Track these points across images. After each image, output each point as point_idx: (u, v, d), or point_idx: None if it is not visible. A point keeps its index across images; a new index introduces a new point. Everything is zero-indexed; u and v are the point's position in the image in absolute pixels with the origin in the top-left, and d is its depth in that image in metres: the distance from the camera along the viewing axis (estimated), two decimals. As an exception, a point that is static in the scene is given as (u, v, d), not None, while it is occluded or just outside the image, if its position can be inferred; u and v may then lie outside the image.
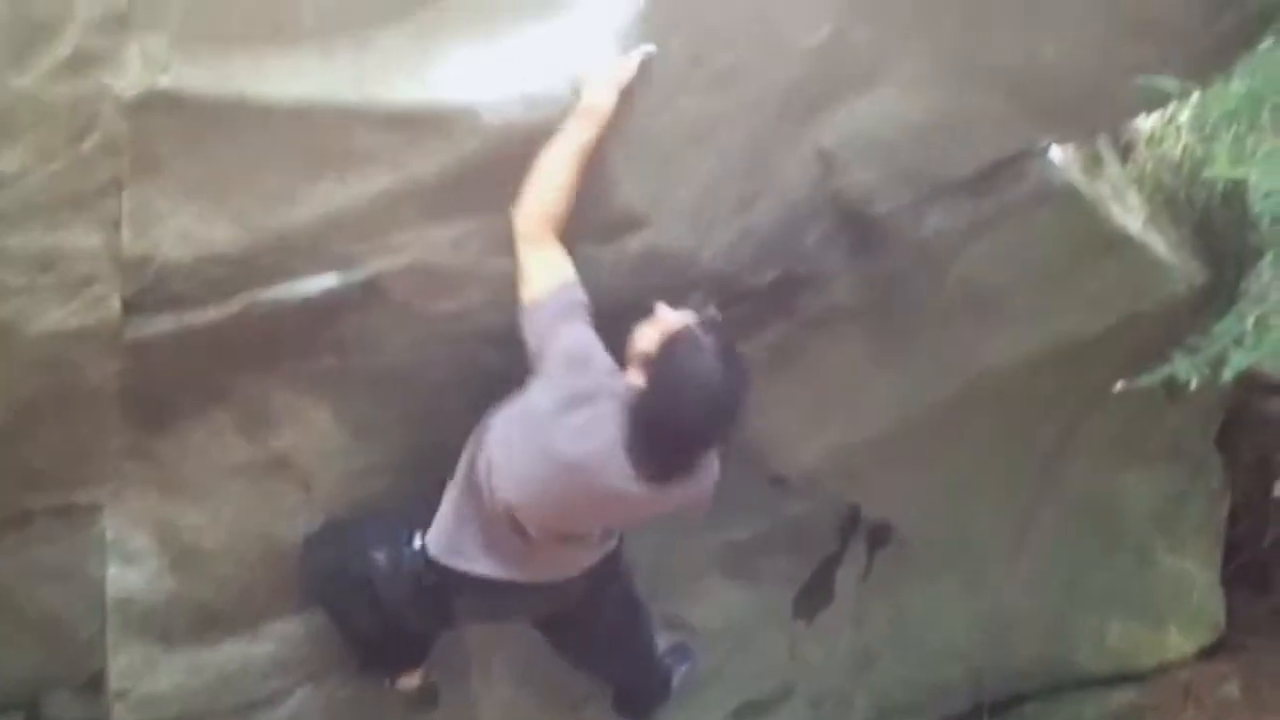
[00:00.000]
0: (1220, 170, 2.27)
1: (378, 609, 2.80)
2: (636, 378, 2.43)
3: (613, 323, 2.50)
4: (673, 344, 2.40)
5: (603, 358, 2.45)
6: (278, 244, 2.42)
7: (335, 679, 3.25)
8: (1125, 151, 3.72)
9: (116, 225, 2.31)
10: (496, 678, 3.44)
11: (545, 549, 2.66)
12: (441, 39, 2.31)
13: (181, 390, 2.66)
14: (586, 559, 2.79)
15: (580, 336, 2.43)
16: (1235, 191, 3.59)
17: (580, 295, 2.44)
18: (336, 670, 3.24)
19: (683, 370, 2.36)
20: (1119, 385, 2.86)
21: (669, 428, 2.39)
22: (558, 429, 2.42)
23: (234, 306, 2.50)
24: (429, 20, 2.30)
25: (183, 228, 2.35)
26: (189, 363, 2.58)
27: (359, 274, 2.52)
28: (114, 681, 2.91)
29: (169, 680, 2.98)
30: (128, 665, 2.93)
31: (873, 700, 4.31)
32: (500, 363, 2.76)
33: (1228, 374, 2.61)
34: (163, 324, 2.48)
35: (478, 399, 2.82)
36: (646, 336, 2.46)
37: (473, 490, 2.60)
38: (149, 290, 2.41)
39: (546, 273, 2.41)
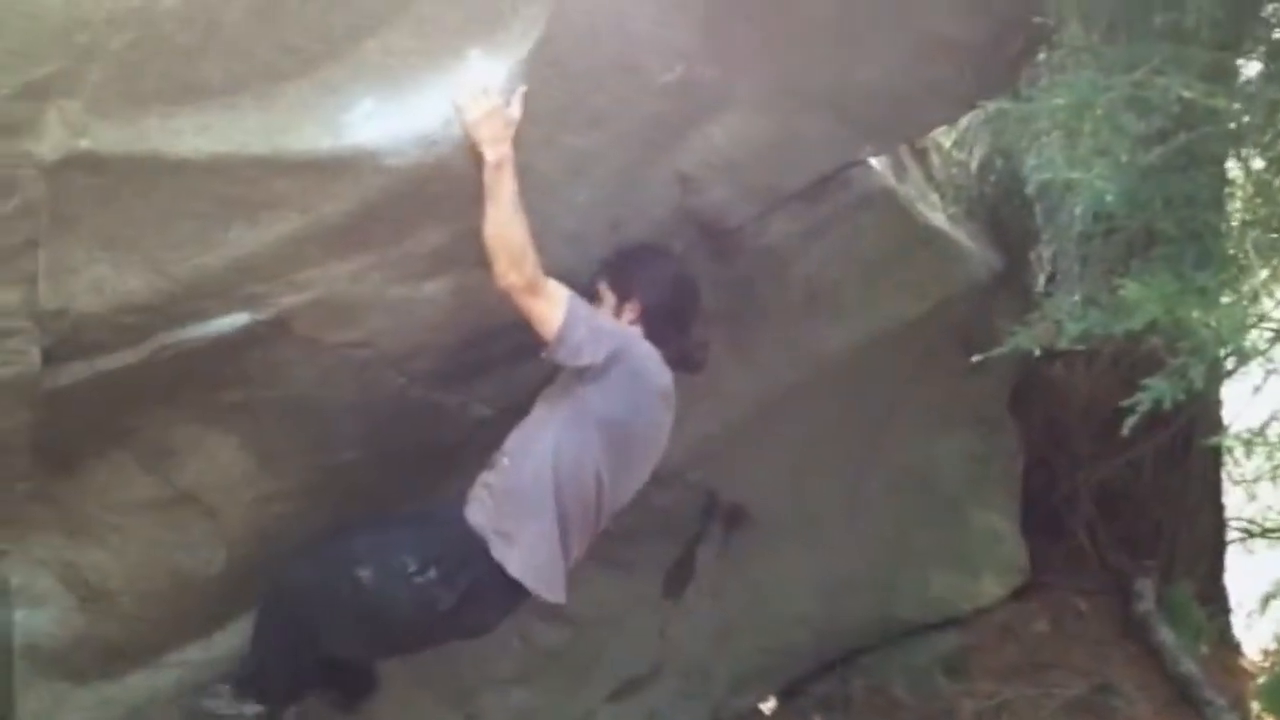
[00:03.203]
0: (1058, 172, 2.60)
1: (350, 628, 2.92)
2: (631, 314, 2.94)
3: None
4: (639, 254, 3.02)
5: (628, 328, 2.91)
6: (189, 289, 2.53)
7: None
8: (921, 157, 4.17)
9: (33, 281, 2.39)
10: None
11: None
12: (344, 90, 2.47)
13: (88, 433, 2.73)
14: None
15: (609, 326, 2.85)
16: (1016, 188, 4.09)
17: (582, 302, 2.78)
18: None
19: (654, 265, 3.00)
20: (975, 358, 3.21)
21: (679, 309, 2.99)
22: (653, 371, 2.89)
23: (145, 350, 2.59)
24: (332, 74, 2.45)
25: (98, 279, 2.44)
26: (99, 406, 2.66)
27: (266, 312, 2.65)
28: (23, 722, 2.95)
29: (78, 717, 3.04)
30: (37, 706, 2.97)
31: (731, 669, 4.63)
32: (400, 384, 2.96)
33: (1064, 341, 3.02)
34: (77, 372, 2.56)
35: (380, 420, 3.01)
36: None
37: (566, 521, 2.89)
38: (65, 341, 2.48)
39: (552, 307, 2.71)
